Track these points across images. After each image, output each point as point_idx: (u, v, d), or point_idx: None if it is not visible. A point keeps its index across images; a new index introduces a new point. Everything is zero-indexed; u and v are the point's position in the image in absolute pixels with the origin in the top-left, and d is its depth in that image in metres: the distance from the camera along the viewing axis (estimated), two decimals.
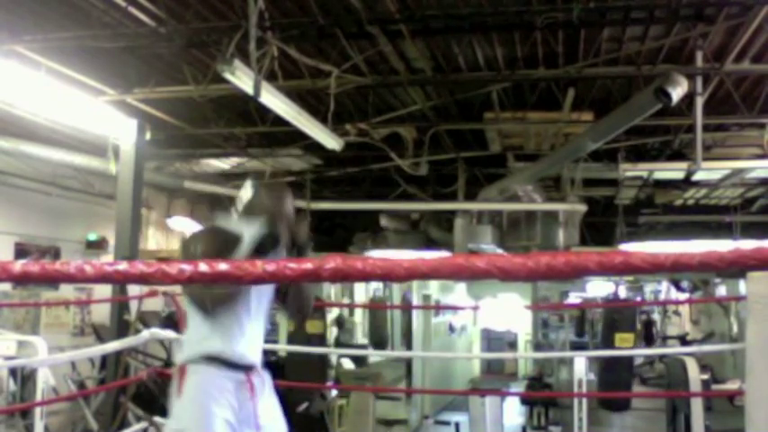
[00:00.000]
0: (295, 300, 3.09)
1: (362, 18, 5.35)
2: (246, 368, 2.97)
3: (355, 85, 6.51)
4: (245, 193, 3.02)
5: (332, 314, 8.68)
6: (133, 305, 5.80)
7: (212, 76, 6.12)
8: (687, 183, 9.20)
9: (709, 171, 8.12)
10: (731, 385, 6.38)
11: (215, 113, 7.94)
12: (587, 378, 6.72)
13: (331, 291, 10.10)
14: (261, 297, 3.04)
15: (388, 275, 1.15)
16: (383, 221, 11.70)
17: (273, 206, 2.96)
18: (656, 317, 11.79)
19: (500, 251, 9.64)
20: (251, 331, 3.00)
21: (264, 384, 3.07)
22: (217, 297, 2.82)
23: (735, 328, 8.42)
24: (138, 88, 6.87)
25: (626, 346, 6.60)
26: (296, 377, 7.16)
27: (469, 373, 13.85)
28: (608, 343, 6.81)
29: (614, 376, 6.86)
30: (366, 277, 1.16)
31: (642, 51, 6.26)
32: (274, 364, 8.46)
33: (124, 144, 6.36)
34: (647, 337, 9.58)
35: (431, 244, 11.52)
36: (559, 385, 8.25)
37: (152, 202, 10.46)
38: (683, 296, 10.02)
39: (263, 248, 2.87)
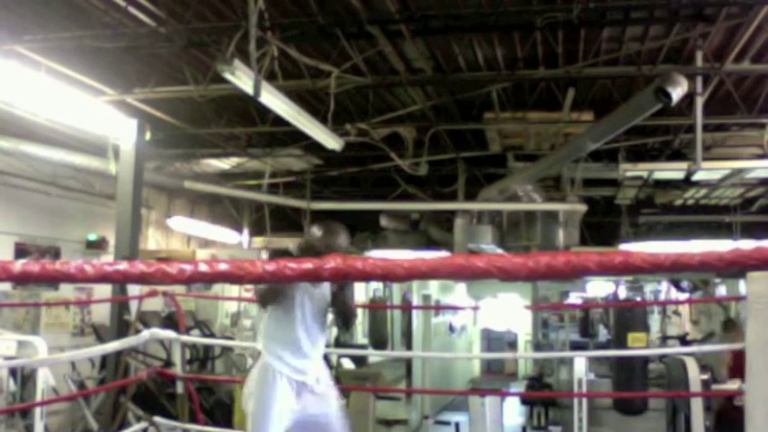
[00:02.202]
0: (341, 307, 3.54)
1: (362, 18, 5.35)
2: (301, 367, 3.42)
3: (355, 85, 6.51)
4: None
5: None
6: (133, 305, 5.79)
7: (212, 76, 6.12)
8: (687, 183, 9.20)
9: (710, 171, 8.12)
10: (731, 385, 6.37)
11: (215, 113, 7.94)
12: (587, 378, 6.72)
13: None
14: (314, 307, 3.49)
15: (388, 275, 1.15)
16: (383, 221, 11.70)
17: (321, 240, 3.47)
18: (657, 317, 11.79)
19: (500, 251, 9.64)
20: (305, 337, 3.45)
21: (320, 387, 3.48)
22: (260, 291, 3.40)
23: None
24: (138, 88, 6.87)
25: (639, 346, 6.56)
26: None
27: (469, 373, 13.85)
28: (621, 342, 6.76)
29: (627, 376, 6.79)
30: (366, 277, 1.16)
31: (642, 51, 6.26)
32: None
33: (124, 144, 6.36)
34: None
35: (431, 244, 11.53)
36: (559, 385, 8.25)
37: (152, 202, 10.46)
38: (683, 296, 10.02)
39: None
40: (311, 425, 3.44)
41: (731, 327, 7.53)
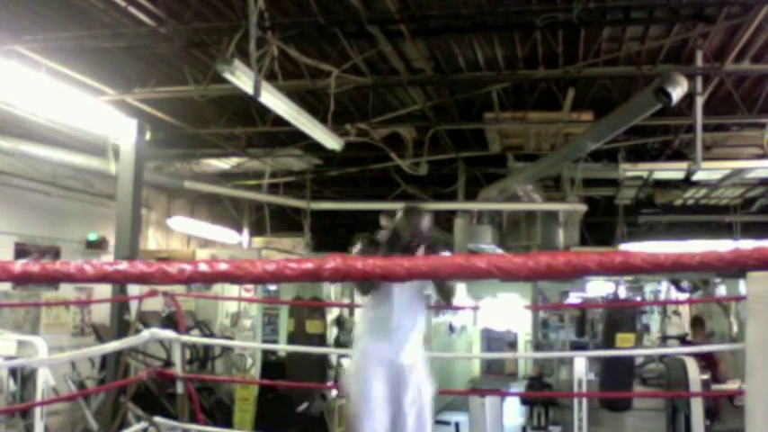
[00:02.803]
0: (441, 285, 3.63)
1: (362, 18, 5.35)
2: (398, 351, 3.50)
3: (355, 85, 6.51)
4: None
5: (332, 314, 8.67)
6: (133, 305, 5.79)
7: (212, 76, 6.13)
8: (687, 183, 9.20)
9: (710, 171, 8.12)
10: (731, 385, 6.37)
11: (215, 113, 7.94)
12: (587, 378, 6.72)
13: (331, 291, 10.09)
14: (411, 289, 3.54)
15: (388, 275, 1.15)
16: (383, 221, 11.69)
17: (405, 228, 3.58)
18: (657, 317, 11.78)
19: (500, 251, 9.64)
20: (402, 321, 3.53)
21: (412, 378, 3.53)
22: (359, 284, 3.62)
23: (735, 328, 8.41)
24: (138, 88, 6.87)
25: (627, 346, 6.58)
26: (296, 377, 7.16)
27: (469, 373, 13.83)
28: (609, 343, 6.79)
29: (615, 376, 6.85)
30: (366, 277, 1.16)
31: (642, 51, 6.26)
32: (274, 364, 8.49)
33: (124, 144, 6.35)
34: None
35: None
36: (559, 385, 8.24)
37: (152, 202, 10.45)
38: (683, 296, 10.01)
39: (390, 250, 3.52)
40: (406, 407, 3.51)
41: (699, 324, 7.65)
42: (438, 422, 9.92)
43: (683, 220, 11.80)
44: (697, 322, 7.89)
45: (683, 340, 9.25)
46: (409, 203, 3.80)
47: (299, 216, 10.99)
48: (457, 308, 14.34)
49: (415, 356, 3.60)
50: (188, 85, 6.68)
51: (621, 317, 6.89)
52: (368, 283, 3.47)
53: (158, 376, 5.70)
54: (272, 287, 10.39)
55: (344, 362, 9.21)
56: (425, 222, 3.63)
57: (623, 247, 9.97)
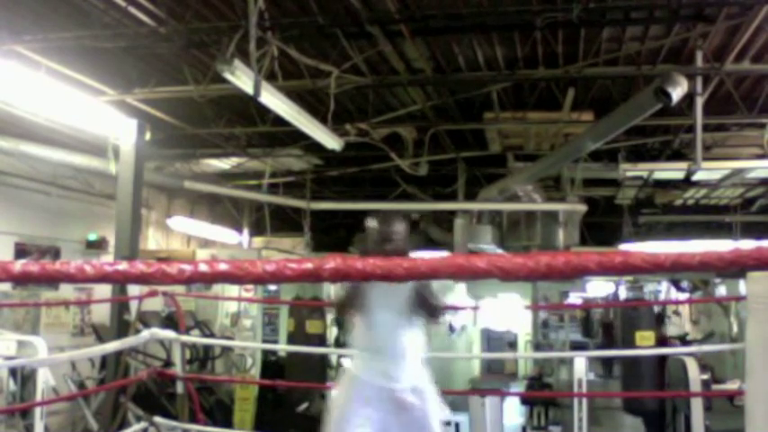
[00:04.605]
0: (422, 305, 3.22)
1: (362, 18, 5.35)
2: (391, 372, 3.14)
3: (355, 85, 6.51)
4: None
5: (332, 314, 8.67)
6: (133, 305, 5.79)
7: (212, 76, 6.12)
8: (687, 183, 9.20)
9: (710, 171, 8.12)
10: (731, 385, 6.37)
11: (215, 113, 7.94)
12: (587, 378, 6.71)
13: (331, 291, 10.09)
14: (397, 305, 3.17)
15: (388, 275, 1.15)
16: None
17: (375, 235, 3.34)
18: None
19: (500, 251, 9.64)
20: (392, 339, 3.17)
21: (413, 401, 3.15)
22: (335, 304, 3.33)
23: (735, 328, 8.41)
24: (138, 88, 6.87)
25: (647, 344, 6.53)
26: (296, 377, 7.16)
27: (469, 373, 13.82)
28: (628, 342, 6.72)
29: (638, 377, 6.73)
30: (366, 277, 1.16)
31: (642, 51, 6.26)
32: (274, 365, 8.49)
33: (124, 144, 6.36)
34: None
35: (431, 244, 11.51)
36: (559, 385, 8.25)
37: (152, 202, 10.45)
38: (683, 296, 10.01)
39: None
40: None
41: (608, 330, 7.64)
42: None
43: (683, 220, 11.80)
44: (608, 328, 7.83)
45: (683, 340, 9.25)
46: (382, 211, 3.52)
47: (298, 216, 10.99)
48: (457, 308, 14.35)
49: (415, 378, 3.21)
50: (188, 85, 6.67)
51: (639, 314, 6.83)
52: (342, 306, 3.29)
53: (158, 376, 5.70)
54: (273, 287, 10.39)
55: (345, 362, 9.22)
56: (397, 226, 3.34)
57: (623, 247, 9.97)
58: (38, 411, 5.35)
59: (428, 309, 3.24)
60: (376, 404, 3.12)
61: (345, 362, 3.42)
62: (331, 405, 3.32)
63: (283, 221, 12.16)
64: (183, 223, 10.92)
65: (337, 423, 3.20)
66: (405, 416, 3.13)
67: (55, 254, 8.44)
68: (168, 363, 6.81)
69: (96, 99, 6.44)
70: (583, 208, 9.48)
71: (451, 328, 13.57)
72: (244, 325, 9.27)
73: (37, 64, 5.82)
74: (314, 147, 8.20)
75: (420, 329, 3.29)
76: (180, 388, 5.04)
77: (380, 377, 3.14)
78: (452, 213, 10.21)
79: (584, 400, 6.43)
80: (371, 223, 3.40)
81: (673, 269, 1.08)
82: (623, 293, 11.04)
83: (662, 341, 6.78)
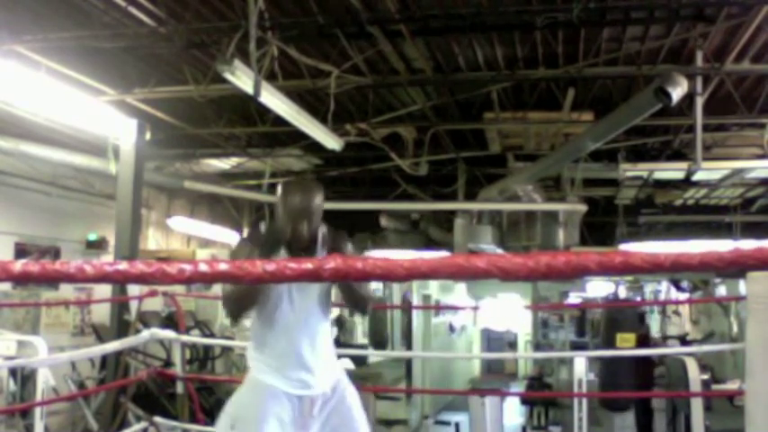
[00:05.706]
0: (349, 298, 2.83)
1: (362, 18, 5.35)
2: (304, 378, 2.75)
3: (355, 85, 6.51)
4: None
5: (331, 314, 8.69)
6: (133, 305, 5.79)
7: (212, 76, 6.13)
8: (687, 183, 9.20)
9: (709, 171, 8.12)
10: (731, 385, 6.37)
11: (215, 113, 7.94)
12: (587, 378, 6.71)
13: (331, 291, 10.12)
14: (307, 299, 2.79)
15: (388, 275, 1.15)
16: (383, 221, 11.70)
17: (280, 204, 2.93)
18: (657, 317, 11.79)
19: (500, 251, 9.64)
20: (303, 340, 2.77)
21: (327, 405, 2.79)
22: (228, 303, 2.73)
23: (735, 328, 8.42)
24: (138, 88, 6.87)
25: (627, 346, 6.57)
26: None
27: (469, 373, 13.85)
28: (609, 343, 6.78)
29: (616, 378, 6.81)
30: (366, 277, 1.16)
31: (642, 51, 6.26)
32: None
33: (124, 144, 6.36)
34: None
35: (431, 244, 11.52)
36: (559, 385, 8.25)
37: (152, 202, 10.45)
38: (683, 296, 10.02)
39: (270, 250, 2.77)
40: None
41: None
42: (438, 422, 9.95)
43: (683, 220, 11.80)
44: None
45: (683, 340, 9.25)
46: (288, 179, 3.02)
47: None
48: (457, 308, 14.38)
49: (330, 378, 2.81)
50: (188, 85, 6.68)
51: (623, 317, 6.87)
52: (238, 304, 2.69)
53: (158, 376, 5.70)
54: None
55: (343, 362, 9.22)
56: (292, 198, 2.88)
57: (623, 247, 9.97)
58: (38, 411, 5.35)
59: (354, 299, 2.81)
60: (292, 418, 2.72)
61: (250, 364, 2.87)
62: (231, 422, 2.76)
63: None
64: (183, 223, 10.92)
65: (247, 409, 2.74)
66: (326, 421, 2.80)
67: (55, 254, 8.44)
68: (168, 363, 6.81)
69: (96, 99, 6.43)
70: (583, 208, 9.48)
71: (451, 328, 13.59)
72: (244, 325, 9.25)
73: (37, 64, 5.82)
74: (314, 147, 8.20)
75: (330, 323, 2.96)
76: (180, 388, 5.04)
77: (298, 385, 2.74)
78: (452, 213, 10.22)
79: (584, 400, 6.43)
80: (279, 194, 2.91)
81: (673, 269, 1.08)
82: (623, 293, 11.07)
83: (643, 342, 6.79)
